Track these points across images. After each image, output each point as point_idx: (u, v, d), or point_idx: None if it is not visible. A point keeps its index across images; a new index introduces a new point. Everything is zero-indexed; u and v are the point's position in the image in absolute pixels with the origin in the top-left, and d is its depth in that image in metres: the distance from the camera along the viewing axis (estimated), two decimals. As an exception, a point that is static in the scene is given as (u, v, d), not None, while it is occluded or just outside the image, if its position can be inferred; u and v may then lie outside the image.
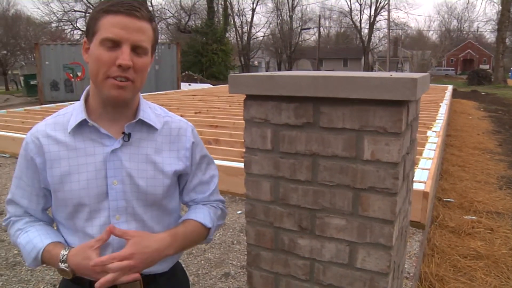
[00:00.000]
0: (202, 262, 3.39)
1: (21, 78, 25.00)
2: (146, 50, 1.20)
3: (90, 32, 1.19)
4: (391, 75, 1.09)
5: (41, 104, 15.71)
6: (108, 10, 1.15)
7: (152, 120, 1.31)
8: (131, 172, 1.26)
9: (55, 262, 1.23)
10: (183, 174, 1.39)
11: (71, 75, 18.13)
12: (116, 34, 1.14)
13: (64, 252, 1.22)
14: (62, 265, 1.20)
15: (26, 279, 3.12)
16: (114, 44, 1.15)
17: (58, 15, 37.74)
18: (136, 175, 1.27)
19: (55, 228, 1.37)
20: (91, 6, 36.02)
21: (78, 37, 38.39)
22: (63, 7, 37.54)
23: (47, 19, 39.11)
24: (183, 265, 3.28)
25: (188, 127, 1.39)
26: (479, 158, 7.89)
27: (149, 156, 1.29)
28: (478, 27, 68.48)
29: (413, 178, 1.53)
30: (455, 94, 21.31)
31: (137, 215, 1.29)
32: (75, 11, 37.63)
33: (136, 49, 1.17)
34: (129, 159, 1.26)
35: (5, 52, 35.99)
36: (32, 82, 21.99)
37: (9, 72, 37.63)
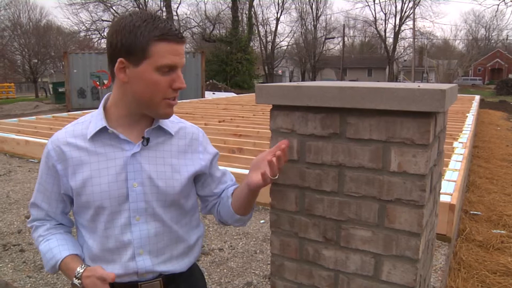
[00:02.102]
0: (225, 271, 3.39)
1: (50, 86, 25.73)
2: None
3: (137, 55, 1.19)
4: (418, 86, 1.08)
5: (68, 111, 16.09)
6: (161, 37, 1.18)
7: (169, 126, 1.38)
8: (151, 174, 1.32)
9: (70, 275, 1.32)
10: (200, 174, 1.45)
11: (97, 83, 18.53)
12: (173, 61, 1.21)
13: (79, 270, 1.30)
14: (76, 281, 1.29)
15: (52, 282, 3.18)
16: (170, 69, 1.22)
17: (86, 25, 38.80)
18: (156, 177, 1.33)
19: (75, 229, 1.44)
20: (118, 16, 36.82)
21: (105, 46, 39.29)
22: (92, 17, 38.62)
23: (76, 28, 40.30)
24: (205, 273, 3.30)
25: (199, 132, 1.47)
26: (508, 170, 7.67)
27: (166, 159, 1.35)
28: (507, 35, 66.91)
29: (440, 190, 1.51)
30: (482, 104, 20.87)
31: (156, 215, 1.34)
32: (103, 20, 38.58)
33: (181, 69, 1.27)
34: (148, 162, 1.32)
35: (36, 60, 37.09)
36: (60, 90, 22.59)
37: (39, 79, 38.77)
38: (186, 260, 1.44)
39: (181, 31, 1.26)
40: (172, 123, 1.40)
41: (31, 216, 1.44)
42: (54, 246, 1.36)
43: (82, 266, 1.31)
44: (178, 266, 1.40)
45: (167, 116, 1.29)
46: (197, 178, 1.46)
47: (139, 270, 1.33)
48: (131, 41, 1.18)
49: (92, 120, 1.33)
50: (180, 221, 1.41)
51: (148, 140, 1.32)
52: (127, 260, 1.33)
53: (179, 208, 1.40)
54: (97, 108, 1.37)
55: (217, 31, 43.28)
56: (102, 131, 1.29)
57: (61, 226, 1.44)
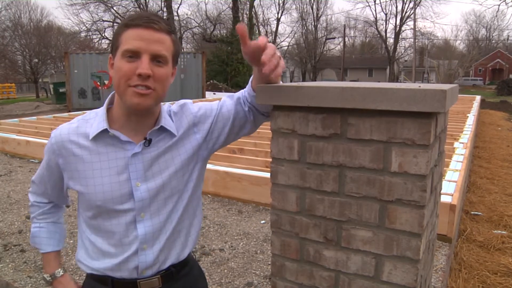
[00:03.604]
0: (226, 271, 3.39)
1: (51, 86, 25.74)
2: (165, 59, 1.23)
3: (113, 47, 1.25)
4: (419, 86, 1.08)
5: (69, 111, 16.09)
6: (128, 24, 1.21)
7: (172, 126, 1.35)
8: (153, 171, 1.32)
9: (46, 269, 1.53)
10: (213, 126, 1.42)
11: (98, 83, 18.51)
12: (134, 45, 1.18)
13: (59, 271, 1.53)
14: (48, 278, 1.52)
15: (53, 283, 3.18)
16: (134, 54, 1.19)
17: (87, 25, 38.75)
18: (159, 173, 1.33)
19: (79, 220, 1.47)
20: (119, 16, 36.85)
21: (106, 46, 39.27)
22: (92, 17, 38.58)
23: (77, 28, 40.24)
24: (206, 274, 3.29)
25: (187, 103, 1.46)
26: (509, 170, 7.66)
27: (166, 151, 1.34)
28: (508, 35, 66.88)
29: (440, 190, 1.51)
30: (483, 104, 20.86)
31: (160, 210, 1.35)
32: (104, 21, 38.53)
33: (156, 59, 1.21)
34: (150, 159, 1.32)
35: (36, 60, 37.14)
36: (61, 90, 22.60)
37: (40, 80, 38.82)
38: (186, 250, 1.46)
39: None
40: (170, 118, 1.38)
41: (31, 188, 1.55)
42: (43, 237, 1.51)
43: (61, 271, 1.52)
44: (176, 258, 1.42)
45: (135, 106, 1.21)
46: (214, 129, 1.42)
47: (140, 264, 1.34)
48: (113, 37, 1.27)
49: (96, 118, 1.32)
50: (182, 209, 1.41)
51: (150, 141, 1.31)
52: (130, 255, 1.33)
53: (183, 199, 1.39)
54: (97, 108, 1.37)
55: (218, 32, 43.23)
56: (104, 132, 1.29)
57: (55, 210, 1.55)
